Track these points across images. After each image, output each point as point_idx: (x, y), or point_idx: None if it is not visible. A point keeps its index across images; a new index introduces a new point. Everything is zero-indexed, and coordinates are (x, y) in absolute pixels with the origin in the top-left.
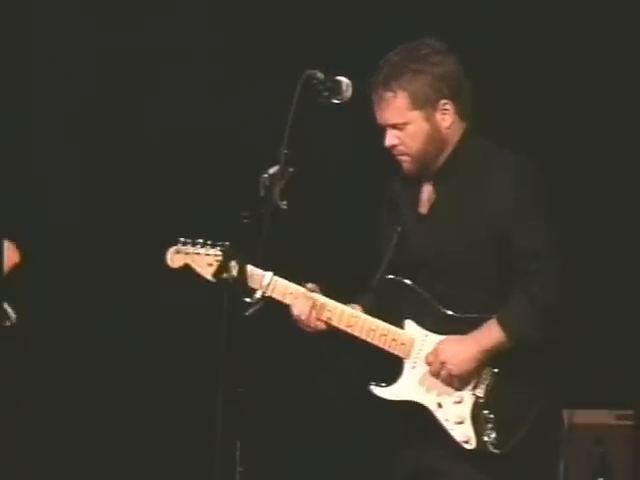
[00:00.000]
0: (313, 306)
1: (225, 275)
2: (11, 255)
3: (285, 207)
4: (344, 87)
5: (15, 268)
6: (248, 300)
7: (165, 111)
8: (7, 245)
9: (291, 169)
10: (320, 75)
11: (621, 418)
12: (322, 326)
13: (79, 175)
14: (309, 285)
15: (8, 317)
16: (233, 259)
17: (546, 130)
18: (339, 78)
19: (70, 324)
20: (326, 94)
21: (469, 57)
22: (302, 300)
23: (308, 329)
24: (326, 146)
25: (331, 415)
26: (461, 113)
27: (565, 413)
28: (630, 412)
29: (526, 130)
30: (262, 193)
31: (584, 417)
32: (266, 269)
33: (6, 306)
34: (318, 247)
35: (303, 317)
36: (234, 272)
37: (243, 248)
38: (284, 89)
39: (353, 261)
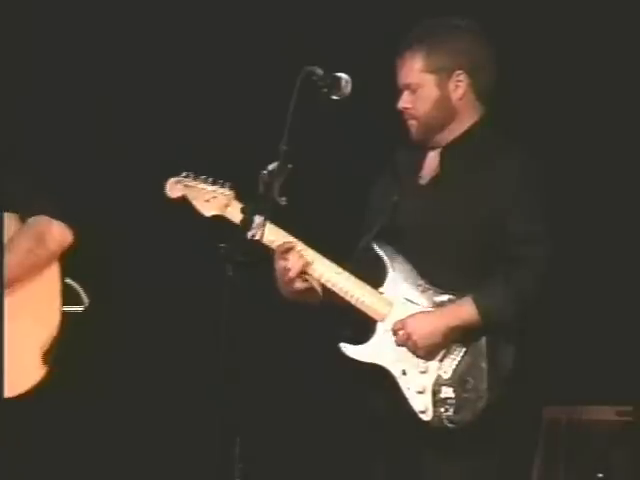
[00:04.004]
0: (300, 260)
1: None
2: (62, 235)
3: (284, 203)
4: (343, 83)
5: (69, 249)
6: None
7: (163, 109)
8: (56, 224)
9: (290, 165)
10: (319, 71)
11: (621, 414)
12: (303, 285)
13: (78, 174)
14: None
15: (82, 301)
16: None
17: (545, 129)
18: (338, 74)
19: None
20: (325, 90)
21: None
22: (294, 254)
23: (289, 287)
24: (325, 142)
25: (331, 413)
26: (478, 92)
27: (565, 409)
28: (630, 408)
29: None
30: (261, 189)
31: (583, 413)
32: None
33: (79, 289)
34: (317, 243)
35: (292, 273)
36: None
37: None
38: (283, 85)
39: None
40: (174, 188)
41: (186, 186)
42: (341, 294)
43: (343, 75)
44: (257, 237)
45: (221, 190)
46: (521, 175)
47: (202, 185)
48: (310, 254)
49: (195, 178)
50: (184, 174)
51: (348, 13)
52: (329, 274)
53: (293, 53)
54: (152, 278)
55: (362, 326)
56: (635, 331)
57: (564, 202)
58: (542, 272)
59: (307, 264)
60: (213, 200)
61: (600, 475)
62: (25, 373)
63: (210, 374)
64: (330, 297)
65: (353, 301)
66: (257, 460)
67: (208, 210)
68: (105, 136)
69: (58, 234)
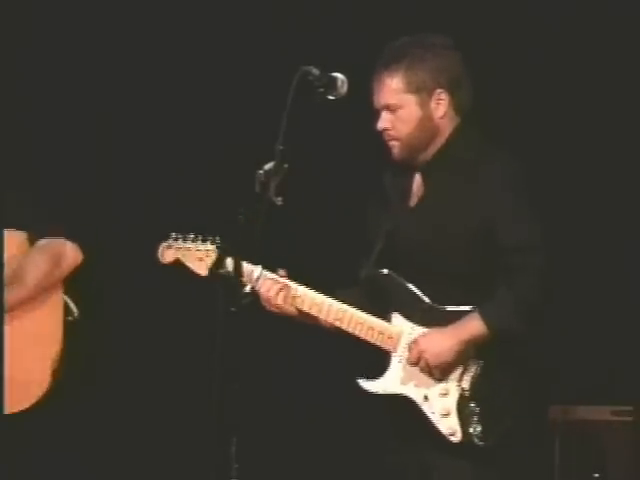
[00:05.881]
0: (281, 289)
1: (221, 271)
2: (75, 257)
3: (281, 203)
4: (339, 83)
5: (77, 269)
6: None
7: (161, 108)
8: (70, 246)
9: (286, 165)
10: (316, 71)
11: (619, 414)
12: (290, 309)
13: (76, 172)
14: (280, 271)
15: (71, 312)
16: (228, 255)
17: (535, 130)
18: (335, 74)
19: None
20: (321, 90)
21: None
22: (269, 282)
23: (274, 309)
24: (321, 142)
25: (328, 411)
26: (457, 107)
27: (562, 409)
28: (628, 408)
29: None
30: (257, 189)
31: (581, 413)
32: (257, 264)
33: (68, 300)
34: (314, 243)
35: (269, 296)
36: (229, 268)
37: (236, 244)
38: (280, 85)
39: (348, 257)
40: (166, 253)
41: (177, 249)
42: (349, 329)
43: (339, 75)
44: (258, 287)
45: (212, 247)
46: (503, 180)
47: (192, 245)
48: (314, 296)
49: (184, 239)
50: (173, 236)
51: (347, 13)
52: (336, 312)
53: (290, 53)
54: (151, 278)
55: (375, 357)
56: (634, 331)
57: (558, 201)
58: (541, 277)
59: (291, 296)
60: (206, 258)
61: (596, 475)
62: (35, 386)
63: (207, 374)
64: (339, 331)
65: (362, 334)
66: (254, 460)
67: (204, 269)
68: (101, 145)
69: (72, 256)
